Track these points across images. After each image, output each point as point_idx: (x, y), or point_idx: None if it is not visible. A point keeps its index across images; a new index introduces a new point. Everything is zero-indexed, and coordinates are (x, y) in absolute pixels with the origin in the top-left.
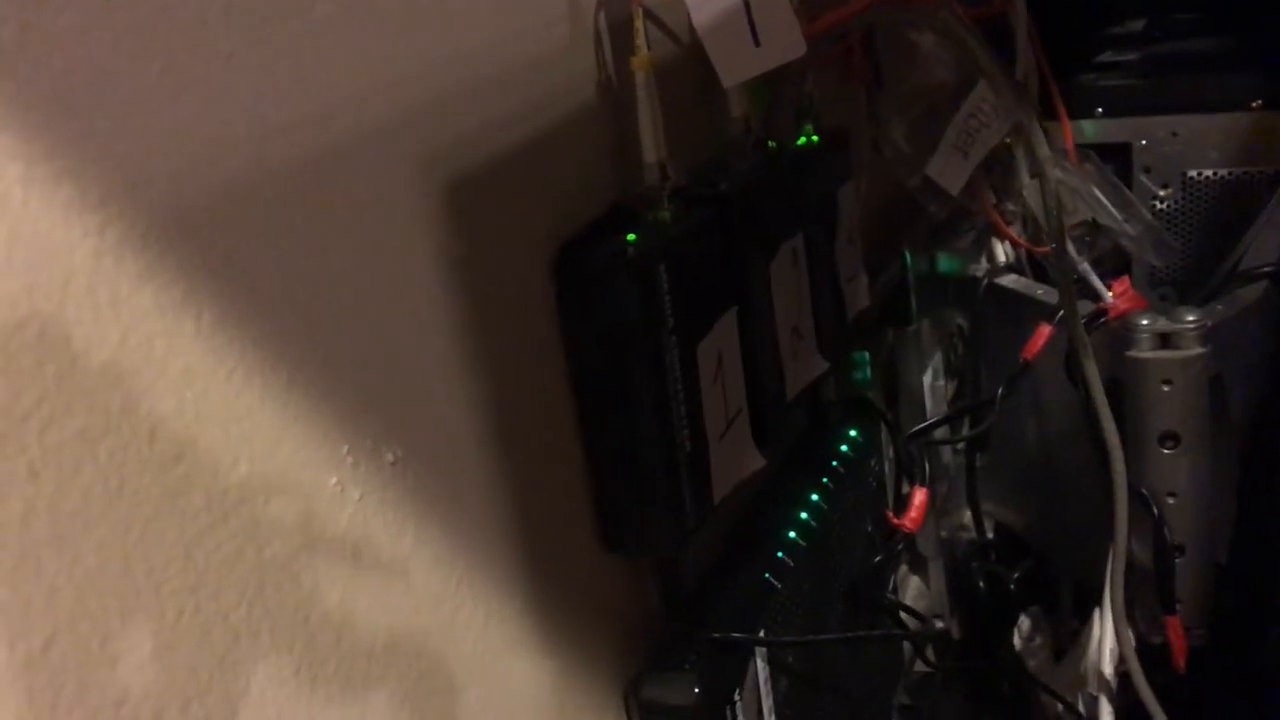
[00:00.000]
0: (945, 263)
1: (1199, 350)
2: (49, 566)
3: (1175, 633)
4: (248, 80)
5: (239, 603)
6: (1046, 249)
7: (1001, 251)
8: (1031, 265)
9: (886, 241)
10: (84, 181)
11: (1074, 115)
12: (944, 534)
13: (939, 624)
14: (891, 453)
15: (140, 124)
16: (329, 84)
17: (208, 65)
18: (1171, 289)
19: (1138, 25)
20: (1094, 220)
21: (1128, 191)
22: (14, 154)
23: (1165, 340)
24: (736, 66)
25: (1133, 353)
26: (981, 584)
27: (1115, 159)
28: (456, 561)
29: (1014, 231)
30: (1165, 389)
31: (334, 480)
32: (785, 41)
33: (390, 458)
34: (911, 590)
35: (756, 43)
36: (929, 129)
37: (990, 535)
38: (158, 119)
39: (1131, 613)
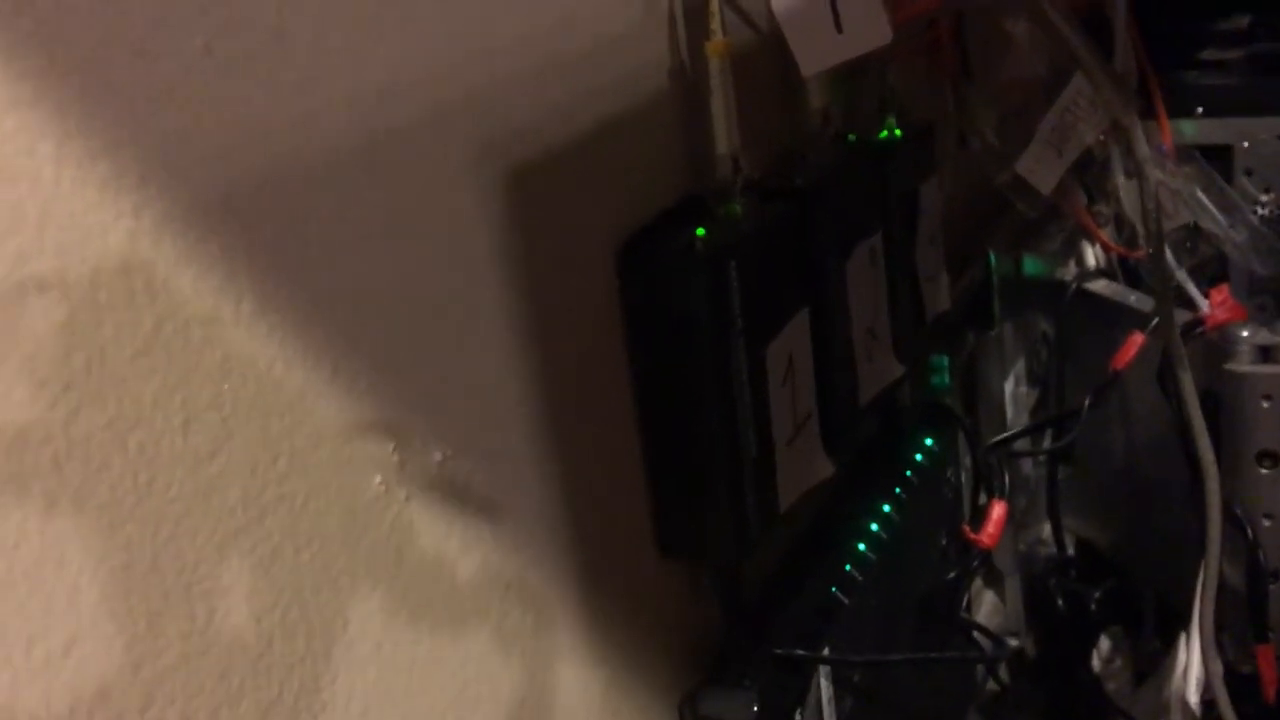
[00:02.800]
0: (1031, 265)
1: None
2: (72, 564)
3: (1266, 662)
4: (297, 57)
5: (273, 608)
6: (1141, 254)
7: (1092, 255)
8: (1123, 270)
9: (970, 241)
10: (120, 161)
11: (1173, 114)
12: (1022, 548)
13: (1014, 642)
14: (969, 462)
15: (182, 101)
16: (385, 62)
17: (255, 41)
18: (1271, 299)
19: (1242, 22)
20: (1195, 224)
21: (1232, 193)
22: (46, 131)
23: (1266, 354)
24: (817, 54)
25: (1231, 366)
26: (1060, 602)
27: (1216, 161)
28: (506, 566)
29: (1106, 235)
30: (1265, 405)
31: (378, 480)
32: (870, 28)
33: (439, 457)
34: (986, 606)
35: (839, 29)
36: (1020, 124)
37: (1071, 551)
38: (201, 96)
39: (1220, 639)
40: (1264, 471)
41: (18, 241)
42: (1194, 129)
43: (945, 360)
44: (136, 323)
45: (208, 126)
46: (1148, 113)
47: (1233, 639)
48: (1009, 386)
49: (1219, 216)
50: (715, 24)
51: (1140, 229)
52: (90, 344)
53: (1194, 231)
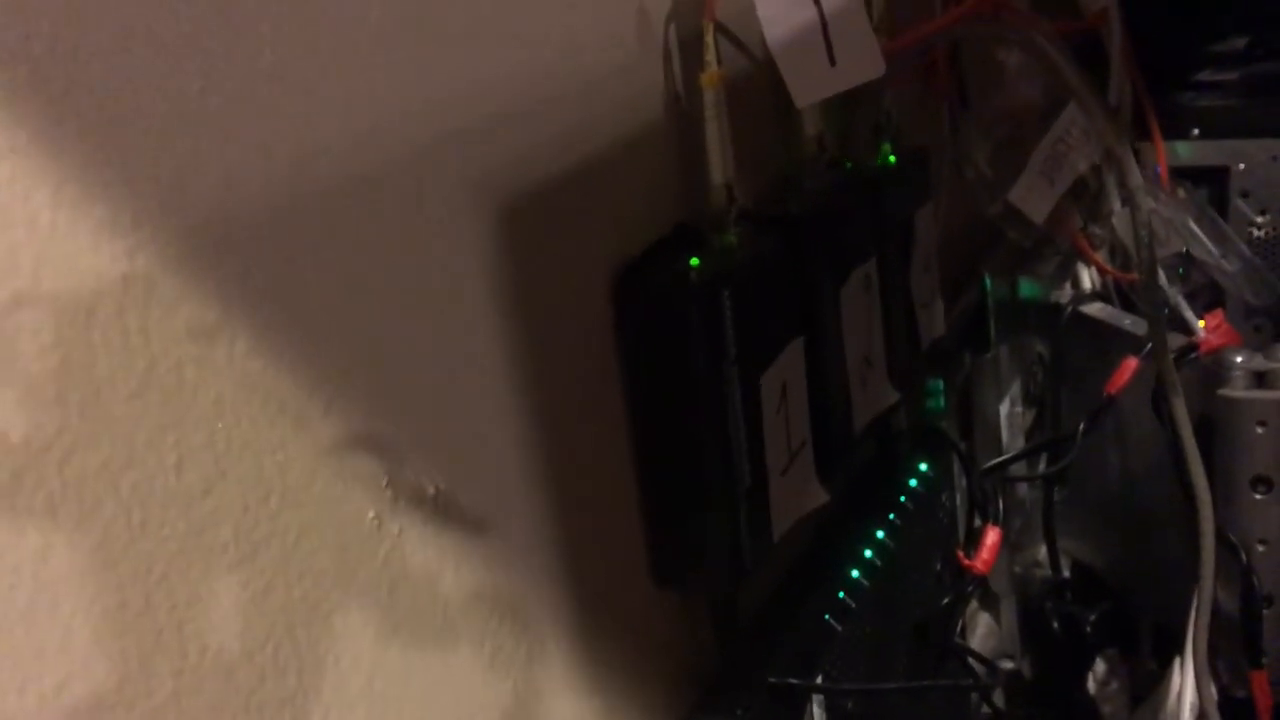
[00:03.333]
0: (1027, 288)
1: None
2: (65, 606)
3: (1260, 688)
4: (292, 97)
5: (265, 644)
6: (1135, 277)
7: (1087, 278)
8: (1119, 293)
9: (966, 265)
10: (115, 203)
11: (1169, 136)
12: (1018, 570)
13: (1009, 665)
14: (964, 484)
15: (177, 143)
16: (378, 100)
17: (250, 82)
18: (1268, 320)
19: (1239, 44)
20: (1188, 252)
21: (1224, 224)
22: (44, 177)
23: (1260, 379)
24: (810, 86)
25: (1225, 391)
26: (1056, 624)
27: (1211, 183)
28: (499, 597)
29: (1101, 258)
30: (1259, 431)
31: (371, 514)
32: (863, 60)
33: (432, 490)
34: (981, 628)
35: (832, 61)
36: (1013, 153)
37: (1067, 574)
38: (196, 138)
39: (1214, 664)
40: (1258, 497)
41: (13, 285)
42: (1190, 151)
43: (940, 384)
44: (130, 364)
45: (202, 169)
46: (1143, 135)
47: (1227, 664)
48: (1004, 409)
49: (1210, 246)
50: (710, 55)
51: (1134, 256)
52: (85, 386)
53: (1187, 258)
